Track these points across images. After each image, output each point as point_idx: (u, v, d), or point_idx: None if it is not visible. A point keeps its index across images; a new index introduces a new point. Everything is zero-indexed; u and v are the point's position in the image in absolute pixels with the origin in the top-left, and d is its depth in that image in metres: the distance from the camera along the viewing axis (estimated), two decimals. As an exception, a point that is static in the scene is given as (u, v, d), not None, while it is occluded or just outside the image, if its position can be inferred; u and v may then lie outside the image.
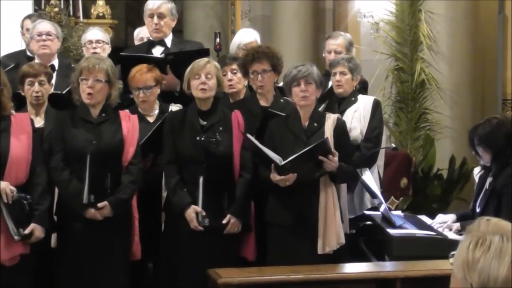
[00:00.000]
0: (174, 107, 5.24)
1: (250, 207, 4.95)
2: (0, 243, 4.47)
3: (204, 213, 4.76)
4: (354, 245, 5.08)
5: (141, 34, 6.49)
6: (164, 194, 5.02)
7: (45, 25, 5.84)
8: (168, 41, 5.83)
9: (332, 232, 4.73)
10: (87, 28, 6.91)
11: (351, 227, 5.11)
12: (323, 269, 4.32)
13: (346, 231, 4.90)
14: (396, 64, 8.02)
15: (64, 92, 5.18)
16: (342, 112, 5.39)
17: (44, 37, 5.74)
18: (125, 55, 5.64)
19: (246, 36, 6.25)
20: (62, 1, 9.73)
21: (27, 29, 6.23)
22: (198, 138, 4.82)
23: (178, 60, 5.35)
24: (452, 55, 7.79)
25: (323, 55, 6.23)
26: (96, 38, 6.23)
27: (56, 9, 9.42)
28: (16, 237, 4.51)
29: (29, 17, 6.70)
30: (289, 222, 4.76)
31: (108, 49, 6.22)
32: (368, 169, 5.30)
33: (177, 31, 7.51)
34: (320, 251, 4.71)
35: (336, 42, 6.10)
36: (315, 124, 4.86)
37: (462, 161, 7.49)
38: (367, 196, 5.40)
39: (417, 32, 7.87)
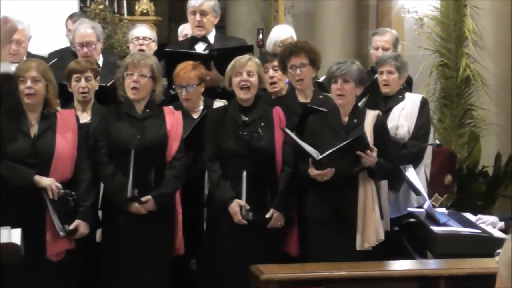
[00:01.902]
0: (219, 103, 5.26)
1: (292, 201, 4.96)
2: (46, 239, 4.54)
3: (248, 207, 4.77)
4: (397, 242, 5.04)
5: (185, 30, 6.53)
6: (206, 191, 5.05)
7: (84, 31, 5.81)
8: (211, 37, 5.86)
9: (371, 228, 4.71)
10: (134, 25, 6.96)
11: (395, 225, 5.08)
12: (365, 266, 4.30)
13: (386, 228, 4.87)
14: (440, 60, 7.94)
15: (108, 84, 5.22)
16: (389, 110, 5.37)
17: (86, 43, 5.79)
18: (169, 51, 5.67)
19: (282, 33, 6.26)
20: (107, -2, 9.82)
21: (69, 30, 6.31)
22: (240, 133, 4.84)
23: (222, 56, 5.36)
24: (498, 50, 7.68)
25: (370, 51, 6.20)
26: (143, 35, 6.28)
27: (101, 7, 9.49)
28: (61, 233, 4.56)
29: (71, 17, 6.77)
30: (328, 217, 4.75)
31: (154, 46, 6.26)
32: (412, 166, 5.26)
33: (220, 27, 7.52)
34: (358, 247, 4.70)
35: (383, 39, 6.06)
36: (355, 120, 4.84)
37: (508, 158, 7.40)
38: (414, 195, 5.35)
39: (462, 27, 7.78)
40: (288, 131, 4.76)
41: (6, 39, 3.03)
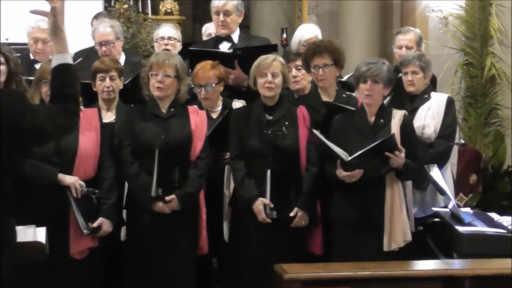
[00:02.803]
0: (237, 103, 5.27)
1: (316, 201, 4.95)
2: (70, 236, 4.57)
3: (272, 205, 4.78)
4: (422, 242, 5.02)
5: (209, 30, 6.53)
6: (226, 191, 5.05)
7: (103, 30, 5.91)
8: (235, 36, 5.86)
9: (399, 229, 4.69)
10: (159, 24, 6.98)
11: (420, 225, 5.06)
12: (390, 266, 4.28)
13: (411, 228, 4.84)
14: (465, 59, 7.90)
15: (126, 82, 5.23)
16: (415, 110, 5.35)
17: (104, 42, 5.83)
18: (193, 50, 5.69)
19: (306, 32, 6.25)
20: (131, -2, 9.88)
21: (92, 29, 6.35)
22: (264, 132, 4.85)
23: (246, 56, 5.36)
24: (524, 49, 7.63)
25: (394, 50, 6.18)
26: (168, 34, 6.30)
27: (126, 6, 9.55)
28: (84, 231, 4.59)
29: (96, 17, 6.81)
30: (355, 218, 4.73)
31: (178, 46, 6.29)
32: (436, 165, 5.23)
33: (244, 26, 7.53)
34: (386, 248, 4.68)
35: (407, 38, 6.04)
36: (382, 120, 4.82)
37: (534, 158, 7.34)
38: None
39: (488, 26, 7.73)
40: (316, 132, 4.76)
41: (58, 28, 3.02)
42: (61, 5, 3.02)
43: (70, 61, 3.04)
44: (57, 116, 2.88)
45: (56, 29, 3.03)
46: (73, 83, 3.01)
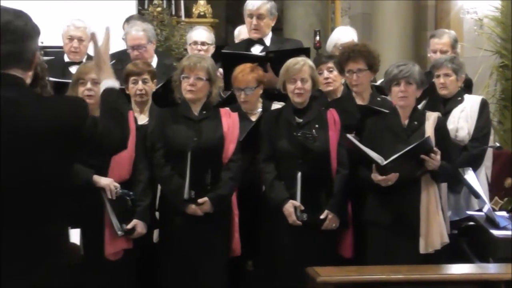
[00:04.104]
0: (277, 105, 5.25)
1: (347, 203, 4.93)
2: (105, 238, 4.60)
3: (302, 208, 4.77)
4: (456, 246, 4.98)
5: (242, 34, 6.51)
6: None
7: (135, 34, 5.92)
8: (267, 40, 5.86)
9: (435, 231, 4.66)
10: (192, 27, 6.97)
11: (454, 228, 5.02)
12: (424, 270, 4.25)
13: (447, 231, 4.81)
14: (500, 61, 7.82)
15: (157, 87, 5.25)
16: (448, 112, 5.31)
17: (136, 46, 5.85)
18: (226, 53, 5.69)
19: (343, 35, 6.21)
20: (164, 1, 9.90)
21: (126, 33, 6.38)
22: (294, 134, 4.84)
23: (279, 58, 5.35)
24: (560, 51, 7.54)
25: (428, 55, 6.13)
26: (201, 39, 6.26)
27: (159, 9, 9.59)
28: (119, 232, 4.62)
29: (127, 20, 6.84)
30: (389, 221, 4.71)
31: (211, 50, 6.25)
32: (471, 168, 5.19)
33: (277, 29, 7.52)
34: (422, 251, 4.65)
35: (441, 41, 5.99)
36: (415, 123, 4.80)
37: None
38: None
39: (524, 27, 7.66)
40: (350, 136, 4.75)
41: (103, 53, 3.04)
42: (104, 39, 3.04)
43: (118, 86, 3.03)
44: (114, 131, 2.88)
45: (99, 60, 3.04)
46: (122, 105, 3.01)
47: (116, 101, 3.00)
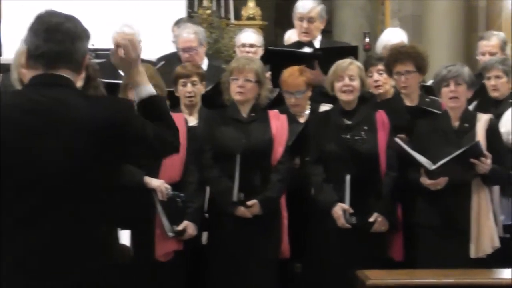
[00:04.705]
0: (325, 107, 5.24)
1: (396, 206, 4.90)
2: (155, 239, 4.63)
3: (351, 211, 4.74)
4: (508, 250, 4.91)
5: (292, 39, 6.46)
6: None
7: (187, 37, 5.95)
8: (317, 42, 5.85)
9: (486, 235, 4.60)
10: (241, 29, 6.98)
11: (507, 232, 4.94)
12: (476, 274, 4.19)
13: (499, 234, 4.75)
14: (553, 62, 7.70)
15: (207, 89, 5.27)
16: (499, 115, 5.24)
17: (187, 48, 5.88)
18: (272, 49, 5.68)
19: (393, 37, 6.17)
20: (214, 3, 9.95)
21: (175, 36, 6.42)
22: (343, 136, 4.82)
23: (327, 56, 5.33)
24: None
25: (477, 57, 6.06)
26: (250, 41, 6.27)
27: (208, 11, 9.63)
28: (170, 234, 4.65)
29: (177, 23, 6.89)
30: (440, 224, 4.67)
31: (260, 52, 6.23)
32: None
33: (326, 31, 7.50)
34: (473, 255, 4.60)
35: (490, 44, 5.93)
36: (466, 125, 4.75)
37: None
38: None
39: None
40: (398, 140, 4.71)
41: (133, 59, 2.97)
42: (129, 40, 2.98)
43: (154, 92, 2.97)
44: (165, 134, 2.88)
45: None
46: (167, 116, 2.98)
47: (166, 107, 3.00)
